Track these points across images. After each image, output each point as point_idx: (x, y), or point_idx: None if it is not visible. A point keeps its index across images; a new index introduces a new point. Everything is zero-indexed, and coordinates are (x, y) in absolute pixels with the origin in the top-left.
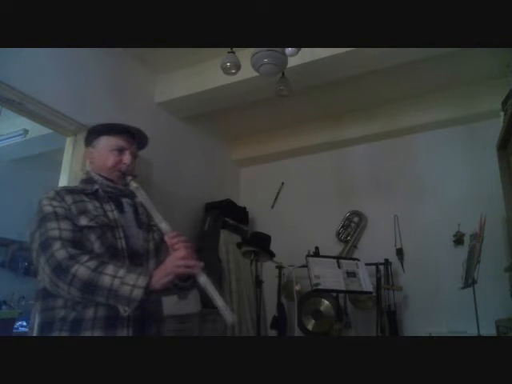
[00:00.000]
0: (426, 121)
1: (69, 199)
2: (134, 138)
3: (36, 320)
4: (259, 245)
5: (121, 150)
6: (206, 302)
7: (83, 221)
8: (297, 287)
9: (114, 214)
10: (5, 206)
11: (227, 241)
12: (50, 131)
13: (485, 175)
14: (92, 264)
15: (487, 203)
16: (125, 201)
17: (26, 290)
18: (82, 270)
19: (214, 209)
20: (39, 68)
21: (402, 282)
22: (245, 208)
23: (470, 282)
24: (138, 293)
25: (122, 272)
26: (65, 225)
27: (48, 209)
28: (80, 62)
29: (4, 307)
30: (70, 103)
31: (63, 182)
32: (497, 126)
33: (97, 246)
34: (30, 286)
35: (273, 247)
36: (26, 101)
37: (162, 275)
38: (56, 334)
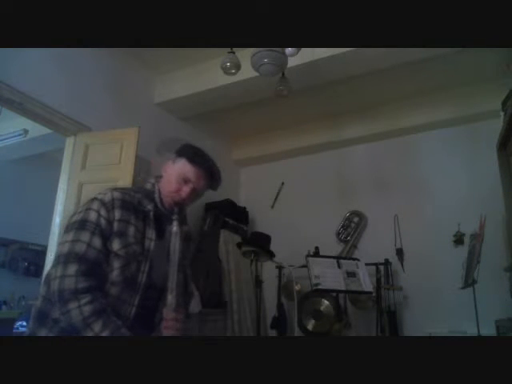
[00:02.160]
0: (426, 121)
1: (117, 213)
2: (209, 175)
3: (37, 303)
4: (259, 245)
5: (186, 181)
6: (206, 302)
7: (115, 246)
8: (297, 287)
9: (151, 244)
10: (5, 206)
11: (227, 241)
12: (50, 131)
13: (485, 175)
14: (87, 310)
15: (487, 203)
16: (168, 229)
17: (26, 290)
18: (77, 313)
19: (213, 209)
20: (39, 68)
21: (402, 282)
22: (245, 208)
23: (470, 282)
24: None
25: (105, 333)
26: (96, 242)
27: (92, 216)
28: (80, 62)
29: (4, 307)
30: (70, 103)
31: (63, 182)
32: (497, 126)
33: (115, 274)
34: (30, 285)
35: (273, 247)
36: (26, 101)
37: None
38: (45, 331)
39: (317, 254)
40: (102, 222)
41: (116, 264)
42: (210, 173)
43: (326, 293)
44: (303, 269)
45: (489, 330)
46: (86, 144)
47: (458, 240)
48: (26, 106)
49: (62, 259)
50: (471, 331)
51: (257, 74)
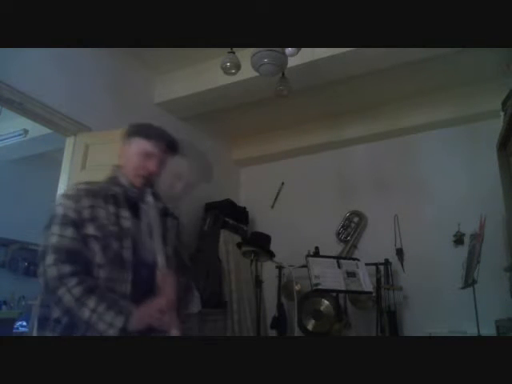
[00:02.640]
0: (426, 121)
1: (85, 201)
2: (166, 144)
3: (37, 314)
4: (259, 245)
5: (148, 155)
6: (206, 302)
7: (90, 229)
8: (297, 287)
9: (127, 221)
10: (5, 205)
11: (227, 241)
12: (50, 131)
13: (485, 175)
14: (77, 291)
15: (487, 203)
16: (144, 207)
17: (26, 290)
18: (67, 297)
19: (213, 209)
20: (39, 68)
21: (402, 282)
22: (245, 208)
23: (470, 282)
24: (113, 332)
25: (101, 308)
26: (68, 232)
27: (59, 210)
28: (80, 62)
29: (4, 307)
30: (70, 103)
31: (63, 182)
32: (497, 125)
33: (99, 257)
34: (30, 286)
35: (273, 247)
36: (26, 101)
37: (138, 320)
38: (48, 333)
39: (317, 254)
40: (70, 212)
41: (96, 247)
42: (165, 140)
43: (326, 293)
44: (303, 269)
45: (489, 330)
46: (86, 144)
47: (458, 240)
48: (26, 106)
49: (40, 256)
50: (471, 331)
51: (257, 74)
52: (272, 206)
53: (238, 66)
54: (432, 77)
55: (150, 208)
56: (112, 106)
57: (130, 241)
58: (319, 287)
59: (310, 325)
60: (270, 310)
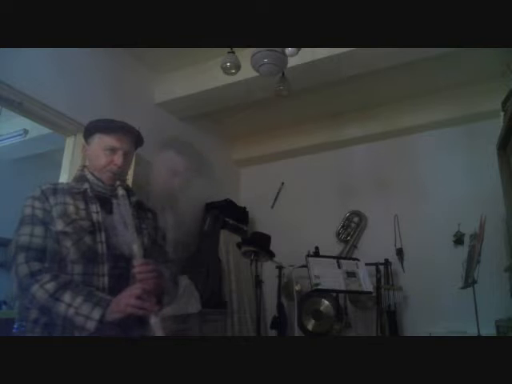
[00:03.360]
0: (426, 121)
1: (52, 200)
2: (129, 136)
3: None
4: (259, 245)
5: (113, 150)
6: (206, 302)
7: (59, 226)
8: (297, 287)
9: (98, 216)
10: (5, 205)
11: (227, 241)
12: (50, 131)
13: (485, 175)
14: (51, 287)
15: (487, 203)
16: (115, 202)
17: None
18: (41, 293)
19: (214, 209)
20: (39, 68)
21: (402, 282)
22: (245, 208)
23: (470, 281)
24: (91, 325)
25: (78, 301)
26: (38, 231)
27: (27, 211)
28: (80, 62)
29: (4, 307)
30: (70, 103)
31: (63, 181)
32: (497, 126)
33: (72, 252)
34: None
35: (273, 247)
36: (26, 101)
37: (115, 309)
38: (28, 335)
39: (317, 254)
40: (38, 212)
41: (68, 242)
42: (126, 132)
43: (325, 293)
44: (303, 269)
45: (489, 330)
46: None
47: (458, 240)
48: (26, 106)
49: (12, 256)
50: (471, 331)
51: (257, 73)
52: (272, 206)
53: (238, 66)
54: (432, 77)
55: (121, 201)
56: (112, 106)
57: (104, 234)
58: (319, 287)
59: (310, 325)
60: (270, 310)
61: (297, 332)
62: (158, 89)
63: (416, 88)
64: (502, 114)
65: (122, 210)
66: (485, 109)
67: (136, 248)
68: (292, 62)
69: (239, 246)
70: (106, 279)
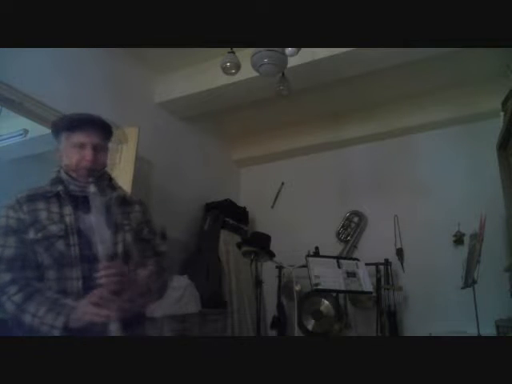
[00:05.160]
0: (426, 121)
1: (25, 208)
2: (97, 128)
3: None
4: (259, 245)
5: (82, 146)
6: (206, 302)
7: (31, 234)
8: (297, 287)
9: (71, 218)
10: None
11: (227, 241)
12: (50, 131)
13: (485, 175)
14: (18, 298)
15: (487, 203)
16: (92, 201)
17: None
18: (8, 305)
19: (214, 209)
20: (39, 68)
21: (402, 282)
22: (245, 208)
23: (470, 282)
24: (56, 333)
25: (41, 311)
26: (11, 241)
27: (2, 221)
28: (80, 62)
29: None
30: (70, 103)
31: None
32: (497, 126)
33: (45, 258)
34: None
35: (273, 247)
36: (26, 101)
37: (77, 317)
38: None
39: (317, 254)
40: (11, 222)
41: (41, 249)
42: (92, 124)
43: (325, 293)
44: (303, 269)
45: (489, 330)
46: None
47: (458, 240)
48: (26, 106)
49: None
50: (471, 331)
51: (257, 73)
52: (272, 206)
53: (238, 66)
54: (432, 77)
55: (94, 199)
56: (112, 106)
57: (76, 237)
58: (319, 287)
59: (310, 325)
60: (270, 310)
61: (297, 332)
62: (158, 89)
63: (416, 88)
64: (501, 114)
65: (96, 208)
66: (485, 109)
67: (101, 250)
68: (292, 61)
69: (239, 246)
70: (79, 282)
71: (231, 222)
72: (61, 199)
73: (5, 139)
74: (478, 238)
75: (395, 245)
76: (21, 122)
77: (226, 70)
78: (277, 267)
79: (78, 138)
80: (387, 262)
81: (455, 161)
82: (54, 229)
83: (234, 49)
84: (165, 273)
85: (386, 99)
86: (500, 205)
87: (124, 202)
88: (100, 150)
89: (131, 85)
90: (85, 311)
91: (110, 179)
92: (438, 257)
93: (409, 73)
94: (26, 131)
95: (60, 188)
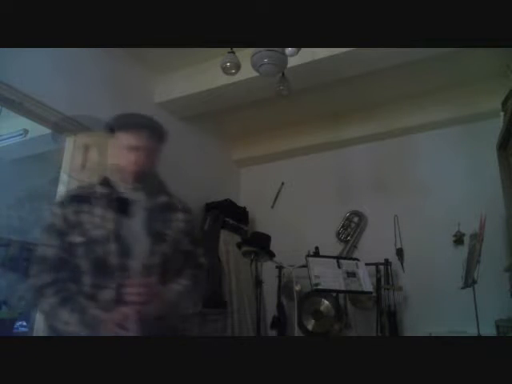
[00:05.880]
0: (425, 121)
1: (71, 208)
2: (151, 132)
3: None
4: (259, 245)
5: (134, 149)
6: (206, 302)
7: (72, 237)
8: (297, 287)
9: (113, 224)
10: (5, 205)
11: (227, 241)
12: (50, 131)
13: (485, 175)
14: (53, 301)
15: (487, 203)
16: (137, 205)
17: (26, 290)
18: (43, 306)
19: (214, 209)
20: (39, 68)
21: (402, 281)
22: (245, 208)
23: (470, 281)
24: None
25: (72, 318)
26: (54, 241)
27: (49, 218)
28: (80, 62)
29: (4, 307)
30: (70, 103)
31: (63, 181)
32: (497, 126)
33: (83, 263)
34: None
35: (273, 247)
36: (26, 101)
37: (102, 332)
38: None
39: (317, 254)
40: (57, 220)
41: (80, 253)
42: (148, 128)
43: (326, 293)
44: (303, 269)
45: (489, 330)
46: (85, 144)
47: (458, 240)
48: (26, 106)
49: (30, 264)
50: (471, 331)
51: (257, 73)
52: (272, 206)
53: (238, 66)
54: (432, 77)
55: (138, 206)
56: (112, 106)
57: (116, 244)
58: (319, 287)
59: (310, 325)
60: (270, 310)
61: (297, 332)
62: (158, 89)
63: (416, 88)
64: (501, 114)
65: (139, 216)
66: (485, 109)
67: (136, 262)
68: (292, 61)
69: (239, 246)
70: (113, 292)
71: (231, 221)
72: (105, 203)
73: (5, 139)
74: (478, 237)
75: (395, 245)
76: (21, 122)
77: (225, 70)
78: (277, 267)
79: (130, 140)
80: (387, 262)
81: (455, 161)
82: (96, 234)
83: (234, 49)
84: (201, 287)
85: (386, 99)
86: (500, 205)
87: (168, 208)
88: (151, 154)
89: (131, 85)
90: (109, 329)
91: (159, 183)
92: (438, 257)
93: (409, 73)
94: (26, 131)
95: (106, 190)
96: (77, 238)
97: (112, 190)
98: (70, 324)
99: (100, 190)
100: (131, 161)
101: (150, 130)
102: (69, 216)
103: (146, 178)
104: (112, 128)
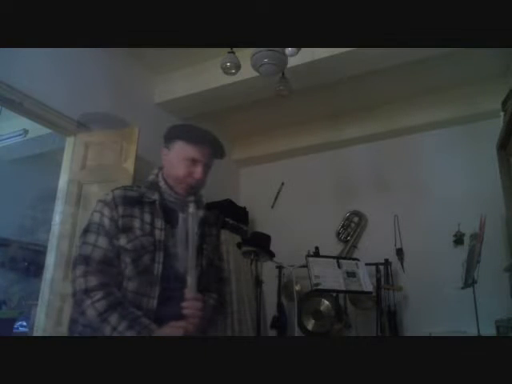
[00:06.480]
0: (426, 121)
1: (121, 209)
2: (211, 147)
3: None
4: (259, 245)
5: (194, 161)
6: None
7: (122, 241)
8: (297, 287)
9: (161, 233)
10: (5, 205)
11: (227, 241)
12: (50, 131)
13: (485, 175)
14: (101, 306)
15: (487, 203)
16: (182, 217)
17: (26, 289)
18: (90, 310)
19: (213, 209)
20: (39, 68)
21: (402, 282)
22: (245, 208)
23: (469, 281)
24: None
25: (122, 325)
26: (102, 242)
27: (96, 217)
28: (80, 62)
29: (4, 307)
30: (70, 103)
31: (63, 182)
32: (497, 126)
33: (129, 269)
34: (30, 285)
35: (273, 247)
36: (26, 101)
37: None
38: (68, 332)
39: (317, 254)
40: (106, 221)
41: (127, 259)
42: (210, 143)
43: (326, 293)
44: (303, 269)
45: (489, 330)
46: (85, 144)
47: (458, 240)
48: (26, 106)
49: (73, 264)
50: (471, 331)
51: (257, 73)
52: (272, 206)
53: (238, 66)
54: (432, 77)
55: (189, 218)
56: (112, 106)
57: (162, 254)
58: (319, 287)
59: (310, 325)
60: (270, 310)
61: (297, 332)
62: (158, 89)
63: (416, 88)
64: (502, 114)
65: (188, 228)
66: (485, 109)
67: (190, 278)
68: (292, 61)
69: (239, 245)
70: (154, 302)
71: (231, 222)
72: (154, 209)
73: (5, 139)
74: (478, 238)
75: (395, 245)
76: (21, 122)
77: (226, 70)
78: (277, 267)
79: (192, 152)
80: (387, 262)
81: (455, 161)
82: (145, 242)
83: (234, 49)
84: (224, 301)
85: (386, 99)
86: (500, 205)
87: (205, 223)
88: (207, 169)
89: (131, 85)
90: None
91: (200, 196)
92: (438, 257)
93: (409, 73)
94: (25, 131)
95: (156, 197)
96: (126, 243)
97: (162, 197)
98: (119, 331)
99: (149, 194)
100: (190, 173)
101: (212, 146)
102: (119, 218)
103: (197, 192)
104: (172, 136)
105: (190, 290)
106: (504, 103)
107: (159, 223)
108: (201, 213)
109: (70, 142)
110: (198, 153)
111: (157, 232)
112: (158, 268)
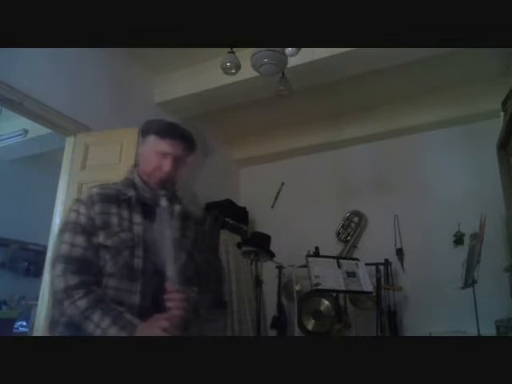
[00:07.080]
0: (426, 121)
1: (97, 207)
2: (184, 142)
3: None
4: (259, 245)
5: (164, 155)
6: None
7: (101, 238)
8: (297, 287)
9: (140, 228)
10: (5, 205)
11: (227, 241)
12: (50, 131)
13: (485, 175)
14: (82, 304)
15: (487, 203)
16: (158, 211)
17: (26, 289)
18: (72, 309)
19: (213, 209)
20: (39, 68)
21: (402, 282)
22: (245, 208)
23: (469, 281)
24: None
25: (105, 322)
26: (79, 240)
27: (72, 216)
28: (80, 62)
29: (4, 307)
30: (70, 103)
31: (63, 182)
32: (497, 126)
33: (109, 266)
34: (30, 285)
35: (273, 247)
36: (26, 101)
37: (138, 335)
38: (50, 333)
39: (317, 254)
40: (82, 219)
41: (107, 256)
42: (182, 138)
43: (326, 293)
44: (303, 269)
45: (489, 330)
46: (85, 144)
47: (458, 240)
48: (26, 106)
49: (51, 263)
50: (471, 331)
51: (257, 74)
52: (272, 206)
53: (238, 66)
54: (432, 77)
55: (163, 212)
56: (112, 106)
57: (142, 249)
58: (319, 287)
59: (310, 325)
60: (270, 310)
61: (297, 332)
62: (158, 89)
63: (416, 88)
64: (502, 114)
65: (163, 222)
66: (485, 109)
67: (169, 270)
68: (292, 61)
69: (239, 245)
70: (137, 297)
71: (231, 222)
72: (131, 205)
73: (5, 139)
74: (477, 238)
75: (395, 245)
76: (21, 122)
77: (226, 70)
78: (277, 267)
79: (163, 146)
80: (387, 262)
81: (455, 161)
82: (124, 237)
83: (234, 49)
84: (207, 295)
85: (386, 99)
86: (500, 205)
87: (184, 217)
88: (179, 162)
89: (131, 85)
90: (154, 332)
91: (174, 191)
92: (438, 257)
93: (409, 73)
94: (25, 131)
95: (132, 193)
96: (104, 240)
97: (137, 192)
98: (102, 328)
99: (125, 191)
100: (160, 166)
101: (182, 139)
102: (96, 216)
103: (169, 185)
104: (146, 131)
105: (170, 283)
106: (504, 103)
107: (137, 218)
108: (177, 207)
109: (69, 142)
110: (168, 146)
111: (135, 227)
112: (138, 263)
